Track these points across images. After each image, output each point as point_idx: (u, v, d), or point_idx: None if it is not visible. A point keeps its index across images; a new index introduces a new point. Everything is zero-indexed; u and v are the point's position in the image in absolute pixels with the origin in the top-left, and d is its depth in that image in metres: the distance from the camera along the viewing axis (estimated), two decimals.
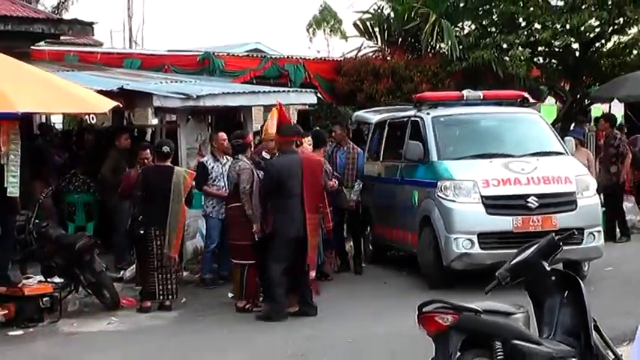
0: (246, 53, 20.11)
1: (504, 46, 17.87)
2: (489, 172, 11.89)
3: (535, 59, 18.43)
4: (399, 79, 17.55)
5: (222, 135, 12.91)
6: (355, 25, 20.29)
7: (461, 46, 17.83)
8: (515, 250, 9.99)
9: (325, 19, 43.36)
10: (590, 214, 11.84)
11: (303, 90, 16.46)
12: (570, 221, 11.36)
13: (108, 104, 11.23)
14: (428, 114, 13.09)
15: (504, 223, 11.51)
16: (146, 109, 16.82)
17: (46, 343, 10.04)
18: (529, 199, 11.50)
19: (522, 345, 6.43)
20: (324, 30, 43.56)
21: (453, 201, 11.72)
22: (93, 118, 17.79)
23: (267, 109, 14.53)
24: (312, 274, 10.93)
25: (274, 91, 15.19)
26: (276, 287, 10.66)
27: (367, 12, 20.22)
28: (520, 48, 17.73)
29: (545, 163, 12.18)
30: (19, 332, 10.42)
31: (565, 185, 11.85)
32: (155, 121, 17.69)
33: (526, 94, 14.00)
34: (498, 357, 6.32)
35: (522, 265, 7.01)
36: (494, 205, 11.62)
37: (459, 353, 6.32)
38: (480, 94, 13.64)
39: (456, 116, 13.28)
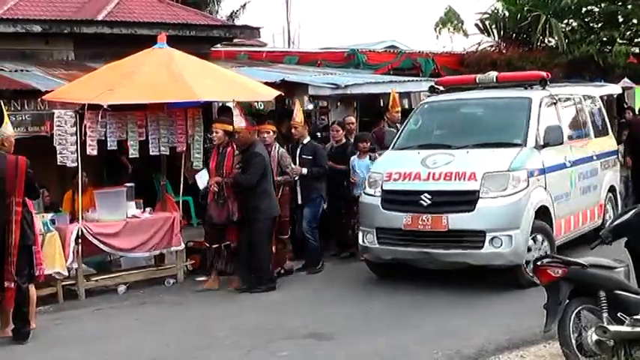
0: (384, 49, 19.96)
1: (605, 39, 17.19)
2: (400, 165, 9.45)
3: (632, 49, 17.64)
4: (513, 69, 17.05)
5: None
6: (476, 24, 20.05)
7: (567, 40, 17.27)
8: (407, 249, 9.09)
9: (450, 20, 42.84)
10: (496, 217, 8.72)
11: (433, 79, 16.22)
12: (466, 223, 8.73)
13: (273, 93, 11.32)
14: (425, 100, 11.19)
15: (396, 219, 9.08)
16: (301, 96, 16.89)
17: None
18: (422, 196, 8.90)
19: (624, 294, 6.17)
20: (449, 28, 43.08)
21: (364, 194, 9.70)
22: (261, 105, 17.95)
23: (403, 95, 14.36)
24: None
25: (408, 81, 15.04)
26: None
27: (485, 13, 19.91)
28: (620, 40, 17.01)
29: (469, 156, 9.21)
30: (204, 278, 10.61)
31: (465, 183, 8.87)
32: (310, 107, 17.76)
33: (545, 74, 10.54)
34: (602, 305, 6.08)
35: (624, 226, 6.75)
36: (390, 200, 9.25)
37: (567, 301, 6.09)
38: (494, 76, 10.69)
39: (441, 102, 10.71)
